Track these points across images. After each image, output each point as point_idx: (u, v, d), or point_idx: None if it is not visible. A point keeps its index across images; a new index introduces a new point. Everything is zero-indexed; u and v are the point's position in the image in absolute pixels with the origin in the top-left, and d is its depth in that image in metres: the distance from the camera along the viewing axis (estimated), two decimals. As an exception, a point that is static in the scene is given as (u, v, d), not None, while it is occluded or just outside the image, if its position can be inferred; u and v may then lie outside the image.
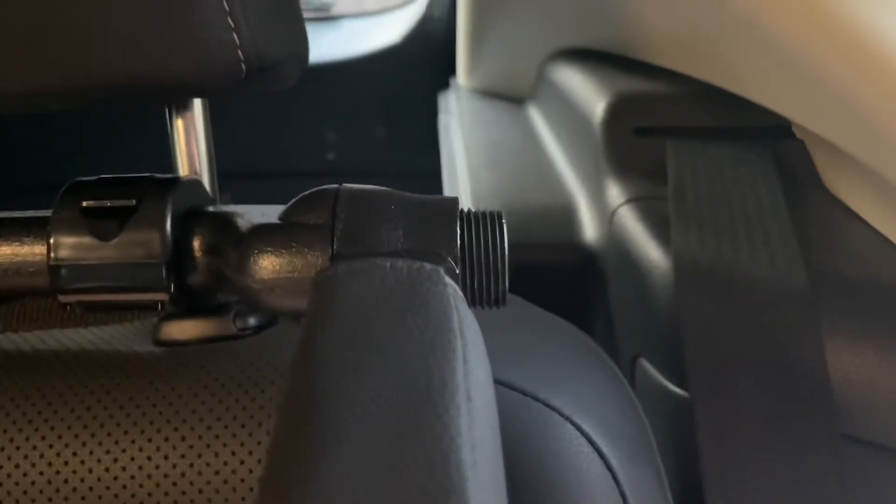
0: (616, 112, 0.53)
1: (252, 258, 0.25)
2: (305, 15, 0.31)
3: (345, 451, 0.16)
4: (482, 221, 0.26)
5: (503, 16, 0.79)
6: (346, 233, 0.24)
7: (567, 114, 0.64)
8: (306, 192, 0.26)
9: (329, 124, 1.13)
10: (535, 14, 0.73)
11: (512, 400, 0.28)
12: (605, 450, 0.28)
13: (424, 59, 1.09)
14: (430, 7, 1.06)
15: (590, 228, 0.56)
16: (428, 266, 0.22)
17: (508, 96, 0.86)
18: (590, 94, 0.58)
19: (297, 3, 0.30)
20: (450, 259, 0.25)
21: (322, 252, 0.24)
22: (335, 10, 1.16)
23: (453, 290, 0.22)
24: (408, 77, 1.11)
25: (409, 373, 0.18)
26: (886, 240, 0.41)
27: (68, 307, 0.26)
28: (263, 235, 0.25)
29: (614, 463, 0.28)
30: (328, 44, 1.11)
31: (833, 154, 0.45)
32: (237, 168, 1.09)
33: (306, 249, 0.25)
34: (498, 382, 0.28)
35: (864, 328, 0.38)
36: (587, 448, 0.28)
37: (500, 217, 0.26)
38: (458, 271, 0.25)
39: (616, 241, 0.50)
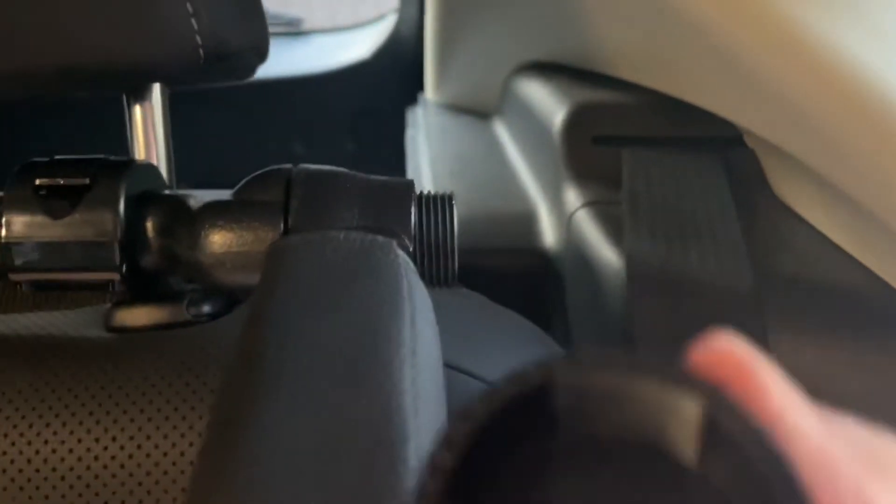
0: (574, 121, 0.54)
1: (203, 233, 0.25)
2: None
3: (287, 397, 0.17)
4: (435, 203, 0.26)
5: (470, 32, 0.80)
6: (301, 209, 0.25)
7: (529, 125, 0.66)
8: (258, 172, 0.26)
9: (298, 138, 1.14)
10: (500, 30, 0.75)
11: (460, 382, 0.29)
12: None
13: (393, 74, 1.10)
14: (399, 24, 1.07)
15: (549, 234, 0.57)
16: (381, 238, 0.23)
17: (475, 111, 0.88)
18: (550, 105, 0.59)
19: None
20: (404, 237, 0.26)
21: (274, 228, 0.25)
22: (306, 26, 1.17)
23: (405, 260, 0.22)
24: (377, 92, 1.11)
25: (355, 328, 0.18)
26: (829, 241, 0.42)
27: (19, 286, 0.27)
28: (214, 212, 0.26)
29: None
30: (298, 58, 1.12)
31: (781, 161, 0.47)
32: (204, 180, 1.09)
33: (258, 224, 0.25)
34: (447, 365, 0.29)
35: (805, 326, 0.39)
36: None
37: (451, 199, 0.27)
38: (411, 249, 0.26)
39: (573, 245, 0.51)
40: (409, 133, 0.96)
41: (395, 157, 1.04)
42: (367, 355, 0.18)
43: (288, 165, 0.26)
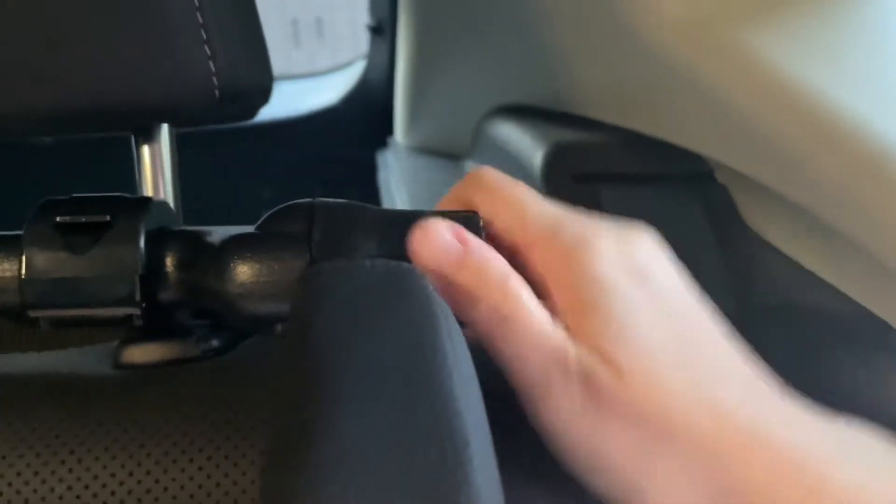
0: (555, 160, 0.56)
1: (231, 264, 0.26)
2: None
3: (354, 407, 0.17)
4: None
5: (443, 77, 0.82)
6: (324, 241, 0.26)
7: (506, 165, 0.67)
8: (280, 206, 0.27)
9: (266, 183, 1.14)
10: (473, 74, 0.77)
11: None
12: None
13: (362, 120, 1.12)
14: (367, 70, 1.10)
15: None
16: (405, 264, 0.24)
17: (446, 153, 0.89)
18: (528, 145, 0.61)
19: (262, 36, 0.32)
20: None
21: (301, 258, 0.26)
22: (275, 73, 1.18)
23: (428, 283, 0.23)
24: (345, 137, 1.13)
25: (401, 345, 0.19)
26: (803, 268, 0.44)
27: (39, 322, 0.27)
28: (241, 244, 0.26)
29: None
30: (267, 104, 1.13)
31: (752, 194, 0.49)
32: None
33: (286, 255, 0.26)
34: None
35: (785, 352, 0.41)
36: None
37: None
38: None
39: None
40: (382, 175, 0.97)
41: (363, 201, 1.04)
42: (418, 368, 0.18)
43: (309, 199, 0.27)
